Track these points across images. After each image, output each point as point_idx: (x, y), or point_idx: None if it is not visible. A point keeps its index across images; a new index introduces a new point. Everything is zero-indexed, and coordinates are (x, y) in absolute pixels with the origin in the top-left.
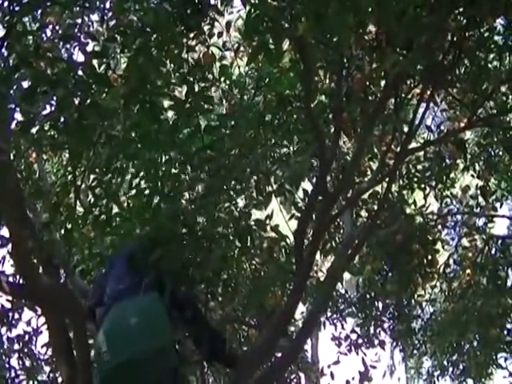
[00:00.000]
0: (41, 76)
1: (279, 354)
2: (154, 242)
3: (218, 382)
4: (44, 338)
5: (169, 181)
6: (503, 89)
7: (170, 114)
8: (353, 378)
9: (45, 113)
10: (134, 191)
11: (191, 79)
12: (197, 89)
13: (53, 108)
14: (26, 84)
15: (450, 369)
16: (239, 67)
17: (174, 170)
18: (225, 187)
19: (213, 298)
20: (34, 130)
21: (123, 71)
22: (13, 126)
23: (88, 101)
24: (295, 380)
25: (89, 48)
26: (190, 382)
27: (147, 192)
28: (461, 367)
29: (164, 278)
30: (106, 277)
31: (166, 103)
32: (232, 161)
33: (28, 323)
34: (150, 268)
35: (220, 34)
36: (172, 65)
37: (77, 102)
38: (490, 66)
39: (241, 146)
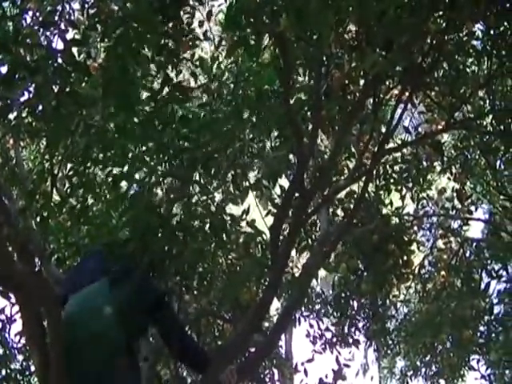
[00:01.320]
0: (19, 62)
1: (253, 349)
2: (129, 235)
3: (192, 376)
4: (17, 326)
5: (144, 171)
6: (481, 93)
7: (147, 105)
8: (326, 376)
9: (23, 99)
10: (109, 181)
11: (169, 68)
12: (174, 79)
13: (31, 95)
14: (4, 70)
15: (423, 369)
16: (219, 61)
17: (149, 161)
18: (201, 181)
19: (188, 291)
20: (11, 117)
21: (102, 60)
22: None
23: (67, 89)
24: (269, 376)
25: (69, 36)
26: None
27: (118, 177)
28: (434, 368)
29: (132, 272)
30: (77, 268)
31: (144, 94)
32: (208, 153)
33: (1, 311)
34: (122, 261)
35: (201, 24)
36: (150, 53)
37: (55, 89)
38: (468, 70)
39: (218, 139)
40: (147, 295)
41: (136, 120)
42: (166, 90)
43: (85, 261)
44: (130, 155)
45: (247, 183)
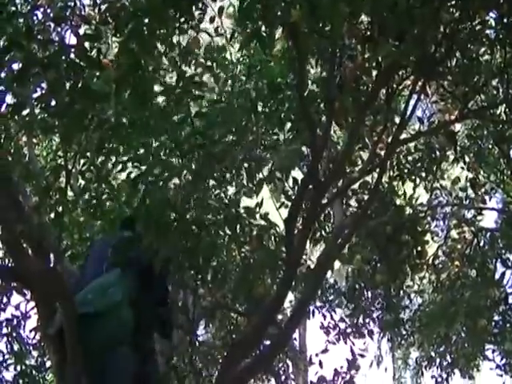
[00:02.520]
0: (32, 58)
1: (268, 342)
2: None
3: (207, 370)
4: (32, 322)
5: (159, 166)
6: (494, 82)
7: (161, 99)
8: (341, 367)
9: (36, 96)
10: (124, 175)
11: (182, 64)
12: (188, 74)
13: (44, 91)
14: (16, 66)
15: (438, 360)
16: (231, 54)
17: (163, 156)
18: (215, 174)
19: (202, 284)
20: (24, 113)
21: (115, 56)
22: (3, 108)
23: (79, 84)
24: (283, 368)
25: (81, 31)
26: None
27: (137, 177)
28: (448, 358)
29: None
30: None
31: (157, 88)
32: (223, 148)
33: (17, 307)
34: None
35: (212, 19)
36: (163, 49)
37: (68, 85)
38: (481, 59)
39: (232, 133)
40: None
41: (149, 114)
42: (180, 84)
43: (95, 255)
44: (144, 150)
45: (261, 176)
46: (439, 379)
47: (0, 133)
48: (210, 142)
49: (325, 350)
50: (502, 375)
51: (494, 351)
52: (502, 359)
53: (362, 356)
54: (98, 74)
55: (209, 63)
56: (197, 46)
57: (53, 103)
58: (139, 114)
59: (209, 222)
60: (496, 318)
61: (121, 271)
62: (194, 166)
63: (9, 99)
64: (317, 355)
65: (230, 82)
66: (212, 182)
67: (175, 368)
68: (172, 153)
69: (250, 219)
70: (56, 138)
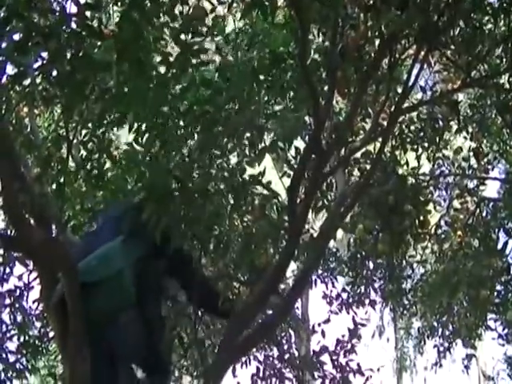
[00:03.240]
0: (33, 28)
1: (270, 312)
2: (145, 199)
3: (210, 339)
4: (35, 293)
5: (161, 135)
6: (497, 51)
7: (163, 69)
8: (343, 336)
9: (37, 65)
10: (125, 146)
11: (186, 33)
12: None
13: (45, 61)
14: (17, 37)
15: (440, 330)
16: (234, 22)
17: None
18: (218, 143)
19: (204, 254)
20: (25, 83)
21: (115, 25)
22: (4, 79)
23: (81, 54)
24: (286, 338)
25: (81, 0)
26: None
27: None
28: (450, 328)
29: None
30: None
31: (158, 59)
32: (226, 116)
33: (19, 278)
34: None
35: None
36: (165, 18)
37: (69, 54)
38: (484, 27)
39: (235, 101)
40: (164, 247)
41: (151, 85)
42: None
43: (100, 227)
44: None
45: (263, 145)
46: (441, 349)
47: (1, 103)
48: (214, 109)
49: (327, 320)
50: (503, 345)
51: (496, 321)
52: (504, 329)
53: (363, 325)
54: (99, 43)
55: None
56: (200, 13)
57: (54, 73)
58: (140, 83)
59: (211, 192)
60: (498, 287)
61: (126, 239)
62: (196, 135)
63: (10, 70)
64: (319, 325)
65: (232, 51)
66: (215, 152)
67: (180, 337)
68: (175, 121)
69: (252, 188)
70: (57, 108)
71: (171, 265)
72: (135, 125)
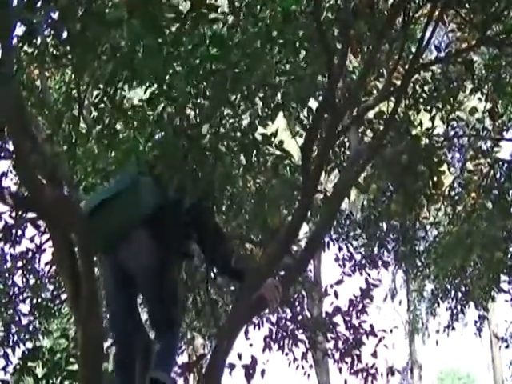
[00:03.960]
0: None
1: (283, 272)
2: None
3: (223, 299)
4: (47, 255)
5: (173, 93)
6: None
7: (174, 27)
8: (356, 297)
9: (47, 24)
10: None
11: None
12: None
13: (55, 19)
14: None
15: (453, 292)
16: None
17: (177, 83)
18: (229, 101)
19: (217, 214)
20: (36, 42)
21: None
22: (14, 40)
23: (92, 11)
24: (298, 299)
25: None
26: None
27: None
28: (463, 290)
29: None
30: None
31: (170, 16)
32: (237, 73)
33: (31, 240)
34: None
35: None
36: None
37: (80, 12)
38: None
39: (248, 58)
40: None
41: (162, 41)
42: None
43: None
44: (157, 78)
45: (276, 104)
46: (454, 311)
47: (12, 64)
48: (226, 66)
49: (340, 281)
50: None
51: (509, 283)
52: None
53: (375, 286)
54: (110, 1)
55: None
56: None
57: (64, 32)
58: (151, 41)
59: (224, 151)
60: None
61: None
62: (208, 93)
63: (19, 31)
64: (332, 286)
65: (244, 9)
66: (227, 111)
67: (193, 298)
68: (187, 79)
69: (265, 147)
70: (68, 70)
71: (189, 217)
72: (147, 83)
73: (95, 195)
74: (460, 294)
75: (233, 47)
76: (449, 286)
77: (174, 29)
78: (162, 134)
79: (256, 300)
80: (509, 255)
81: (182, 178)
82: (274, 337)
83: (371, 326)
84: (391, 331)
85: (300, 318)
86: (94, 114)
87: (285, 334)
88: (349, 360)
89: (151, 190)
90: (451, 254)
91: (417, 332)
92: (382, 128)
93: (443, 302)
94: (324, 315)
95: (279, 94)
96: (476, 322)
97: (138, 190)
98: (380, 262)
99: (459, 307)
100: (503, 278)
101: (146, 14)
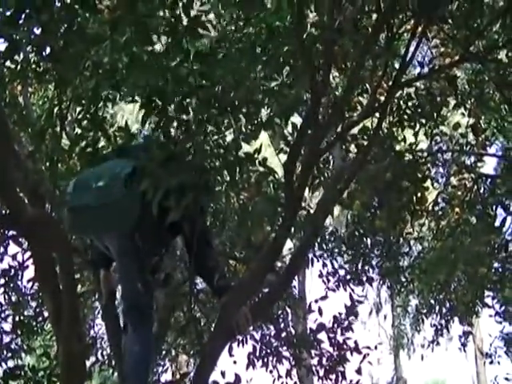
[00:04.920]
0: (25, 1)
1: (266, 290)
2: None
3: (206, 318)
4: (30, 272)
5: (157, 110)
6: (496, 25)
7: (158, 43)
8: (340, 314)
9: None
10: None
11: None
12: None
13: (37, 35)
14: (9, 12)
15: (437, 307)
16: None
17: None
18: (213, 118)
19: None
20: (18, 58)
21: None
22: None
23: (74, 27)
24: (282, 316)
25: None
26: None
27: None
28: (448, 306)
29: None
30: None
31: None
32: (221, 90)
33: (13, 257)
34: None
35: None
36: None
37: (62, 28)
38: (483, 2)
39: (232, 74)
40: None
41: (146, 57)
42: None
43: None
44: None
45: (259, 120)
46: (438, 326)
47: None
48: (211, 83)
49: (324, 297)
50: (501, 322)
51: (493, 298)
52: (501, 306)
53: (360, 302)
54: (92, 17)
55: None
56: None
57: (47, 48)
58: (138, 51)
59: (207, 168)
60: (496, 264)
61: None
62: (192, 110)
63: (1, 46)
64: (316, 301)
65: (228, 26)
66: (210, 128)
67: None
68: (171, 93)
69: (249, 165)
70: (51, 86)
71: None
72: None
73: (79, 188)
74: (444, 310)
75: (216, 63)
76: (433, 302)
77: (158, 44)
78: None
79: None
80: (493, 270)
81: (166, 194)
82: (257, 354)
83: (355, 342)
84: (376, 348)
85: (284, 334)
86: (78, 130)
87: (269, 350)
88: (333, 377)
89: (136, 202)
90: (435, 270)
91: (402, 347)
92: (365, 144)
93: (427, 317)
94: (308, 332)
95: (263, 111)
96: (460, 336)
97: (126, 206)
98: (364, 278)
99: (444, 322)
100: (487, 293)
101: (134, 23)
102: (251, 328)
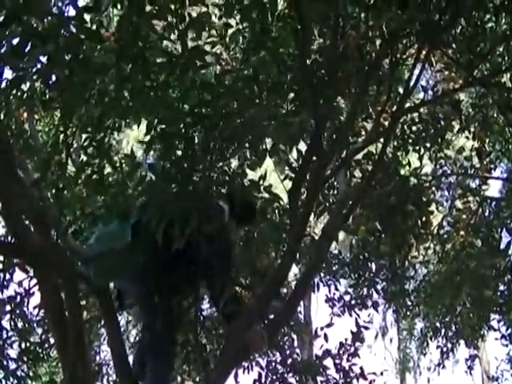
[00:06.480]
0: (31, 31)
1: (272, 316)
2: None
3: (212, 344)
4: (36, 299)
5: (162, 139)
6: (499, 49)
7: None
8: (346, 340)
9: (35, 69)
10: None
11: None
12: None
13: (43, 64)
14: (15, 41)
15: (443, 330)
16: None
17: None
18: (219, 146)
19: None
20: (24, 88)
21: (115, 28)
22: (3, 84)
23: (79, 56)
24: (288, 342)
25: (80, 3)
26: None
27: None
28: (453, 329)
29: None
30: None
31: (159, 60)
32: (226, 118)
33: (19, 284)
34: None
35: None
36: (166, 20)
37: (68, 57)
38: (486, 26)
39: (237, 103)
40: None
41: (151, 86)
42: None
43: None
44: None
45: (264, 147)
46: (444, 349)
47: (0, 108)
48: (215, 112)
49: (330, 324)
50: (507, 345)
51: (499, 321)
52: (507, 329)
53: (366, 328)
54: (97, 46)
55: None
56: (206, 17)
57: (53, 77)
58: (140, 84)
59: (212, 196)
60: (501, 287)
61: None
62: (197, 138)
63: (8, 74)
64: (322, 329)
65: (232, 53)
66: (215, 155)
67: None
68: (176, 125)
69: (253, 192)
70: (57, 113)
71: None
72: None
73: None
74: (450, 333)
75: (222, 92)
76: (439, 325)
77: (164, 73)
78: (152, 178)
79: (243, 347)
80: (498, 293)
81: (171, 224)
82: (263, 380)
83: (361, 368)
84: (381, 374)
85: (290, 361)
86: (83, 157)
87: (274, 377)
88: None
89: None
90: (441, 293)
91: (408, 370)
92: (370, 169)
93: (433, 340)
94: (314, 358)
95: (267, 139)
96: (467, 359)
97: (133, 251)
98: (369, 303)
99: (450, 345)
100: (493, 316)
101: (135, 57)
102: (266, 347)
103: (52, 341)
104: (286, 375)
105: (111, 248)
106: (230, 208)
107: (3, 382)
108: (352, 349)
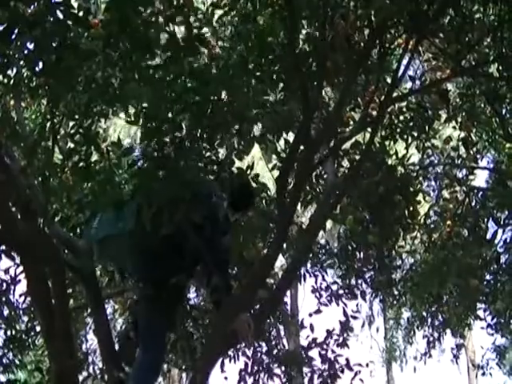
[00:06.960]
0: (18, 17)
1: (258, 306)
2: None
3: (199, 333)
4: (22, 286)
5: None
6: (487, 40)
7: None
8: (333, 329)
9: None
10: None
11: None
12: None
13: (30, 50)
14: (2, 27)
15: (429, 319)
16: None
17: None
18: (206, 135)
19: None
20: (11, 75)
21: (103, 14)
22: None
23: (66, 42)
24: (274, 332)
25: None
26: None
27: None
28: (440, 318)
29: None
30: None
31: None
32: (215, 106)
33: (6, 272)
34: None
35: None
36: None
37: (55, 43)
38: (474, 16)
39: (225, 90)
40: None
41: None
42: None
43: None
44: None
45: (252, 136)
46: (431, 339)
47: None
48: (204, 100)
49: (317, 311)
50: (492, 334)
51: (485, 310)
52: (493, 318)
53: (354, 318)
54: (85, 32)
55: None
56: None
57: (40, 63)
58: (138, 60)
59: (202, 183)
60: (488, 277)
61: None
62: (184, 126)
63: None
64: (310, 315)
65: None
66: (203, 144)
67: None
68: (165, 110)
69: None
70: (44, 101)
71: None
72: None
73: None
74: (436, 322)
75: (211, 80)
76: (425, 314)
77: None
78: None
79: (229, 335)
80: (485, 283)
81: (159, 210)
82: (249, 370)
83: (347, 359)
84: (367, 365)
85: (276, 351)
86: (70, 145)
87: (260, 367)
88: None
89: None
90: (427, 282)
91: (394, 359)
92: (358, 158)
93: (419, 329)
94: (300, 349)
95: (255, 127)
96: (453, 349)
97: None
98: (357, 292)
99: (436, 335)
100: (479, 305)
101: (134, 32)
102: (253, 336)
103: (38, 329)
104: (271, 365)
105: (117, 231)
106: (228, 195)
107: None
108: (340, 338)
